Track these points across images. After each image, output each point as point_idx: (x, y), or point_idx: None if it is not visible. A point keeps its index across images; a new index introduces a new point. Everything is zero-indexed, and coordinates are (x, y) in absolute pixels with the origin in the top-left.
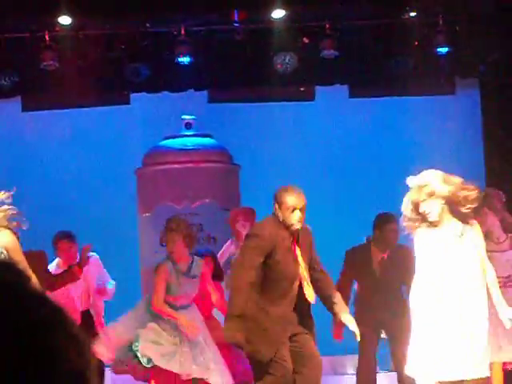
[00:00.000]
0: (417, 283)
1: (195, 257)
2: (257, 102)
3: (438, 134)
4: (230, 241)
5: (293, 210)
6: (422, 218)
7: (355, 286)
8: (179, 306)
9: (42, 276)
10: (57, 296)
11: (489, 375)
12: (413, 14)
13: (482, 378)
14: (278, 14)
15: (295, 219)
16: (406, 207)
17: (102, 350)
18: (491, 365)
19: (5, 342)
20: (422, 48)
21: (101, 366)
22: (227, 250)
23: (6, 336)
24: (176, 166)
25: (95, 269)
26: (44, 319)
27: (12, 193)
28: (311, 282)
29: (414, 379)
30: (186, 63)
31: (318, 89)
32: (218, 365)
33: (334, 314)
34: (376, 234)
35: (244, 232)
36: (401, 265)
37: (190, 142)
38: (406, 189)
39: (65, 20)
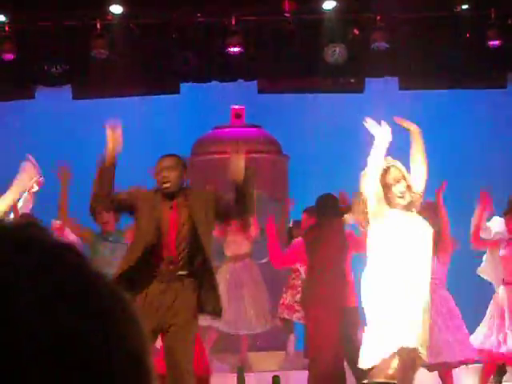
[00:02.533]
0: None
1: None
2: (306, 93)
3: (489, 127)
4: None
5: (159, 172)
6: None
7: None
8: None
9: None
10: None
11: (417, 347)
12: (465, 6)
13: (412, 349)
14: (329, 5)
15: (160, 181)
16: None
17: None
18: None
19: (80, 324)
20: (473, 41)
21: None
22: None
23: (77, 318)
24: (225, 155)
25: None
26: (106, 301)
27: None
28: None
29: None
30: (237, 53)
31: (368, 81)
32: None
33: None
34: None
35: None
36: None
37: (240, 132)
38: (457, 182)
39: (116, 9)
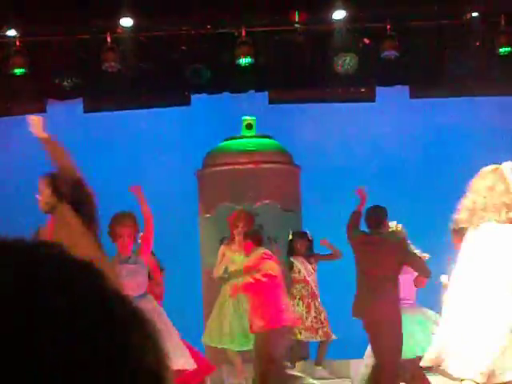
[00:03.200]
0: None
1: None
2: (317, 103)
3: (500, 134)
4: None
5: None
6: None
7: None
8: None
9: None
10: None
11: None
12: (474, 14)
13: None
14: (339, 14)
15: None
16: None
17: None
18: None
19: (89, 340)
20: (483, 49)
21: None
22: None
23: (88, 334)
24: (237, 166)
25: None
26: (124, 318)
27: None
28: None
29: None
30: (247, 64)
31: (379, 90)
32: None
33: None
34: None
35: (240, 237)
36: None
37: (251, 143)
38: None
39: (126, 22)
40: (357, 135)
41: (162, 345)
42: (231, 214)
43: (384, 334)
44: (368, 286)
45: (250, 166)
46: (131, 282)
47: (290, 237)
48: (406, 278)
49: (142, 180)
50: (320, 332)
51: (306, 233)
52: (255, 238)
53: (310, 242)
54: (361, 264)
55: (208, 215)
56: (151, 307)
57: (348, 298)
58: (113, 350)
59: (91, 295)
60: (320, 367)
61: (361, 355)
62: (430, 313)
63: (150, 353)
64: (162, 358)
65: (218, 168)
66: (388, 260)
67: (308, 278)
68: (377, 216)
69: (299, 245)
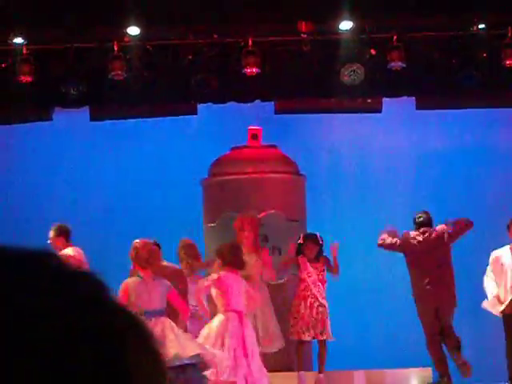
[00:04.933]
0: None
1: None
2: (323, 113)
3: (507, 146)
4: None
5: None
6: None
7: None
8: None
9: None
10: None
11: None
12: (481, 26)
13: None
14: (346, 25)
15: None
16: None
17: None
18: None
19: (86, 356)
20: (490, 60)
21: None
22: None
23: (85, 351)
24: (242, 176)
25: None
26: (123, 332)
27: None
28: None
29: None
30: (253, 74)
31: (385, 100)
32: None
33: None
34: None
35: (248, 241)
36: None
37: (256, 152)
38: (474, 198)
39: (133, 31)
40: (363, 146)
41: (159, 355)
42: (237, 220)
43: None
44: None
45: (255, 175)
46: None
47: (301, 240)
48: None
49: (147, 188)
50: (318, 330)
51: (316, 237)
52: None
53: (320, 246)
54: None
55: (213, 224)
56: None
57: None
58: (110, 359)
59: (84, 305)
60: (322, 375)
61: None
62: None
63: (148, 362)
64: (161, 367)
65: (224, 177)
66: None
67: (308, 280)
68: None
69: (309, 250)
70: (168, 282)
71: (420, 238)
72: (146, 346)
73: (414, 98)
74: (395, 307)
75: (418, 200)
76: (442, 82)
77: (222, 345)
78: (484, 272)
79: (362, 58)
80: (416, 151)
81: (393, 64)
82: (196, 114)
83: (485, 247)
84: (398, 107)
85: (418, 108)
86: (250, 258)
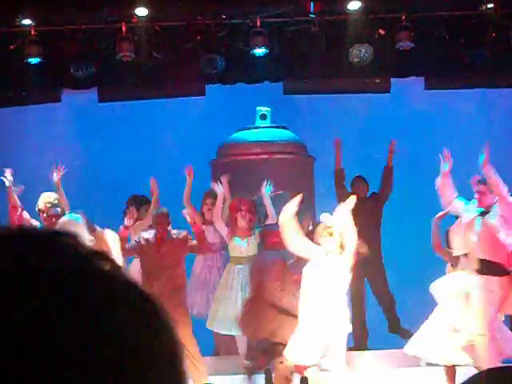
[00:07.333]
0: None
1: None
2: (332, 94)
3: None
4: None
5: None
6: None
7: None
8: None
9: None
10: None
11: None
12: (490, 5)
13: None
14: (354, 5)
15: None
16: None
17: None
18: None
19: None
20: (498, 40)
21: None
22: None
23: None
24: (250, 157)
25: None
26: (137, 310)
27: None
28: None
29: None
30: (262, 55)
31: (394, 80)
32: None
33: None
34: None
35: (243, 223)
36: None
37: (265, 133)
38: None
39: (141, 11)
40: (371, 126)
41: (176, 334)
42: (232, 201)
43: None
44: None
45: (264, 156)
46: None
47: (311, 227)
48: None
49: (155, 170)
50: None
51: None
52: None
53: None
54: None
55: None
56: None
57: None
58: (127, 338)
59: (101, 286)
60: None
61: None
62: None
63: (166, 341)
64: (177, 346)
65: (232, 158)
66: None
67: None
68: None
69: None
70: None
71: None
72: (165, 324)
73: (422, 77)
74: None
75: (426, 180)
76: (451, 61)
77: None
78: None
79: (371, 38)
80: (424, 131)
81: (401, 44)
82: (204, 95)
83: None
84: (406, 87)
85: (426, 88)
86: (243, 239)
